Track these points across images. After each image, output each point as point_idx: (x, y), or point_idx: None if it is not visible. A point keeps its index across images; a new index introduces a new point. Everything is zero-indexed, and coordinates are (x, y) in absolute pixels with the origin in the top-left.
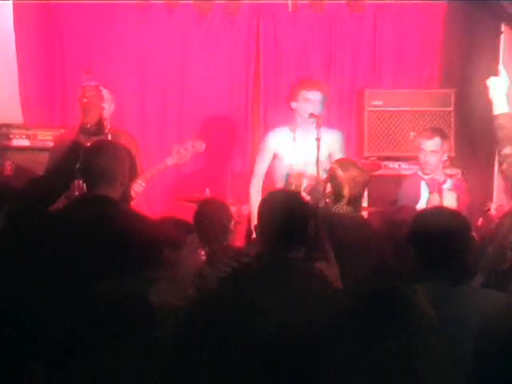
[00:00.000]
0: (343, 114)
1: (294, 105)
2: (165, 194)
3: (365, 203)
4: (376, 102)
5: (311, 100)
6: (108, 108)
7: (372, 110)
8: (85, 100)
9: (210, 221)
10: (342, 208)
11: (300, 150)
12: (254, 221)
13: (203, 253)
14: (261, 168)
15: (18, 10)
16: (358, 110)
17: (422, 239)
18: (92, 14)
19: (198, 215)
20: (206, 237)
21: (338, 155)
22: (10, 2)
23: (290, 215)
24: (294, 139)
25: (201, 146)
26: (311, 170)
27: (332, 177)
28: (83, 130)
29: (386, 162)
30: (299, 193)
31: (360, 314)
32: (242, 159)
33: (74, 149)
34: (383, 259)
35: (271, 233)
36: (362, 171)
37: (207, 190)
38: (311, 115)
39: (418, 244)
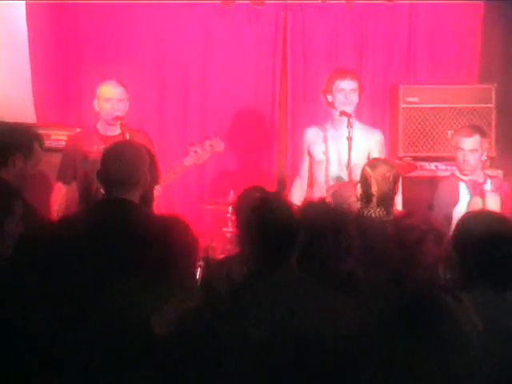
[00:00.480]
0: (376, 112)
1: (329, 98)
2: (186, 198)
3: (399, 207)
4: (411, 99)
5: (345, 90)
6: (124, 106)
7: (407, 107)
8: None
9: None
10: (374, 211)
11: (334, 151)
12: None
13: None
14: (302, 167)
15: (30, 9)
16: (392, 107)
17: (467, 245)
18: (108, 11)
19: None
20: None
21: (376, 155)
22: (23, 2)
23: (270, 224)
24: (326, 138)
25: (220, 145)
26: (347, 172)
27: (362, 177)
28: None
29: (421, 163)
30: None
31: (397, 326)
32: (267, 160)
33: None
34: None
35: (251, 244)
36: (391, 167)
37: (231, 191)
38: (342, 113)
39: (462, 250)
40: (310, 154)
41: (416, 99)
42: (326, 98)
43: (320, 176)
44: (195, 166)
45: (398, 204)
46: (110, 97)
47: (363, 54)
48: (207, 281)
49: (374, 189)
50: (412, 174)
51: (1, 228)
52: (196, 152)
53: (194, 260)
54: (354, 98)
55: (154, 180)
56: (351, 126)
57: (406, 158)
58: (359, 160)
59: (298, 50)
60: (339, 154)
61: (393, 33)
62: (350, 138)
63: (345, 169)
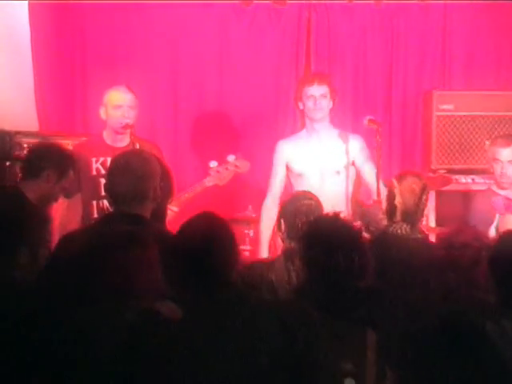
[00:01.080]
0: (407, 120)
1: (300, 105)
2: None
3: (432, 223)
4: (446, 106)
5: (315, 96)
6: (134, 114)
7: (441, 115)
8: None
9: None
10: (400, 228)
11: (313, 159)
12: (263, 248)
13: None
14: (273, 183)
15: (33, 10)
16: (425, 115)
17: (504, 268)
18: (117, 12)
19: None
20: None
21: (362, 160)
22: (26, 2)
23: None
24: (306, 149)
25: (245, 166)
26: (330, 182)
27: (388, 190)
28: None
29: (457, 176)
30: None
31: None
32: None
33: None
34: (450, 289)
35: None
36: (418, 179)
37: (249, 207)
38: (370, 122)
39: (501, 272)
40: (287, 168)
41: (451, 106)
42: (298, 106)
43: (300, 189)
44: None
45: (431, 221)
46: (120, 103)
47: (393, 58)
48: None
49: (398, 201)
50: (446, 188)
51: (35, 258)
52: (218, 172)
53: None
54: (325, 103)
55: (168, 195)
56: (380, 136)
57: (439, 171)
58: (341, 168)
59: (323, 54)
60: (320, 164)
61: (426, 35)
62: (378, 148)
63: (326, 179)
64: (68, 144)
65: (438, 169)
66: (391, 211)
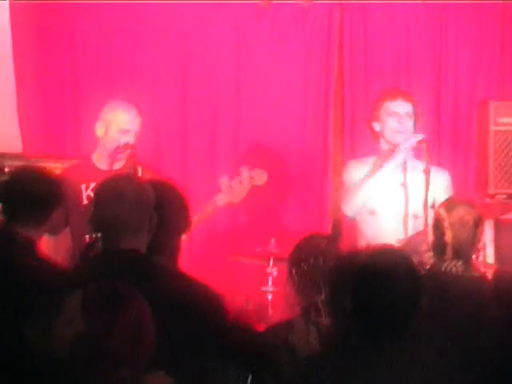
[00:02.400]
0: (459, 136)
1: (376, 127)
2: (215, 247)
3: (490, 259)
4: (505, 119)
5: (399, 114)
6: (135, 129)
7: (499, 130)
8: None
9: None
10: (451, 265)
11: (390, 195)
12: None
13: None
14: None
15: (15, 11)
16: (481, 129)
17: None
18: (115, 14)
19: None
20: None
21: None
22: (6, 2)
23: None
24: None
25: (261, 177)
26: (407, 227)
27: (435, 222)
28: None
29: None
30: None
31: None
32: (318, 200)
33: None
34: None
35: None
36: (471, 208)
37: (272, 240)
38: (419, 142)
39: None
40: None
41: (511, 119)
42: (372, 127)
43: (369, 231)
44: (229, 205)
45: (489, 256)
46: (129, 128)
47: (442, 64)
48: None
49: (449, 236)
50: (506, 217)
51: (47, 329)
52: (231, 187)
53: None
54: (410, 125)
55: (184, 227)
56: (429, 156)
57: (498, 196)
58: (420, 211)
59: (358, 61)
60: (397, 203)
61: (481, 37)
62: (427, 172)
63: (402, 223)
64: (57, 168)
65: (497, 194)
66: (440, 247)
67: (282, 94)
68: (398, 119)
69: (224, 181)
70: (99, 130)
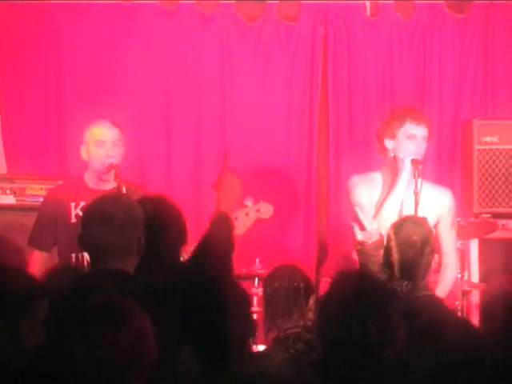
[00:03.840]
0: (443, 155)
1: (389, 144)
2: None
3: (475, 278)
4: (489, 138)
5: (417, 137)
6: (119, 152)
7: (484, 149)
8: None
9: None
10: (397, 285)
11: (394, 216)
12: None
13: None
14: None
15: None
16: (465, 149)
17: None
18: (100, 19)
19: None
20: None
21: (448, 225)
22: None
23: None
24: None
25: (268, 211)
26: None
27: (385, 242)
28: None
29: (503, 221)
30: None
31: None
32: (303, 222)
33: None
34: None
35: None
36: (419, 228)
37: (257, 260)
38: (414, 162)
39: None
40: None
41: (495, 138)
42: (383, 143)
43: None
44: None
45: (474, 274)
46: (103, 139)
47: (426, 81)
48: None
49: (395, 257)
50: (491, 236)
51: (15, 332)
52: (237, 219)
53: None
54: (424, 147)
55: (182, 239)
56: (420, 177)
57: (483, 215)
58: None
59: (343, 78)
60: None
61: (464, 54)
62: (416, 193)
63: None
64: (41, 189)
65: (481, 213)
66: (389, 267)
67: (266, 112)
68: (416, 143)
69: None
70: (83, 153)
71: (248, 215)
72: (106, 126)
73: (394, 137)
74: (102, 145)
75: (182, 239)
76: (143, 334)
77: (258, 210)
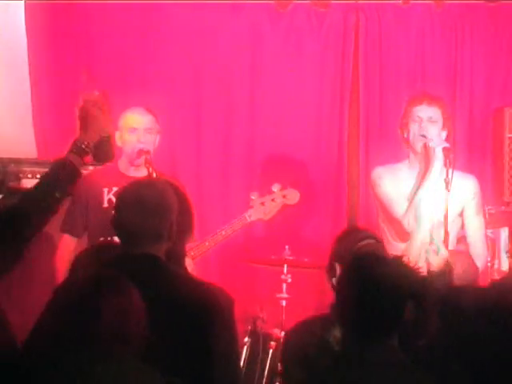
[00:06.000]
0: (473, 144)
1: (404, 133)
2: (230, 254)
3: (504, 266)
4: None
5: (421, 118)
6: (152, 139)
7: None
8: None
9: None
10: None
11: (429, 200)
12: None
13: None
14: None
15: (31, 14)
16: (496, 136)
17: None
18: (130, 17)
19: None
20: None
21: (473, 211)
22: (22, 2)
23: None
24: (408, 185)
25: (294, 197)
26: (437, 232)
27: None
28: (75, 149)
29: None
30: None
31: None
32: (333, 210)
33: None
34: None
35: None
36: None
37: (287, 247)
38: (445, 150)
39: None
40: (382, 209)
41: None
42: (403, 134)
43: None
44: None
45: (504, 263)
46: (136, 126)
47: (458, 69)
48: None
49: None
50: None
51: None
52: (263, 204)
53: (231, 339)
54: (433, 131)
55: (186, 232)
56: (451, 165)
57: None
58: (450, 217)
59: (374, 64)
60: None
61: (496, 41)
62: (447, 182)
63: (436, 228)
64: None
65: None
66: None
67: (296, 99)
68: (419, 124)
69: (255, 198)
70: (117, 139)
71: (274, 201)
72: (139, 113)
73: (406, 125)
74: (134, 131)
75: (188, 230)
76: (129, 310)
77: (284, 196)
